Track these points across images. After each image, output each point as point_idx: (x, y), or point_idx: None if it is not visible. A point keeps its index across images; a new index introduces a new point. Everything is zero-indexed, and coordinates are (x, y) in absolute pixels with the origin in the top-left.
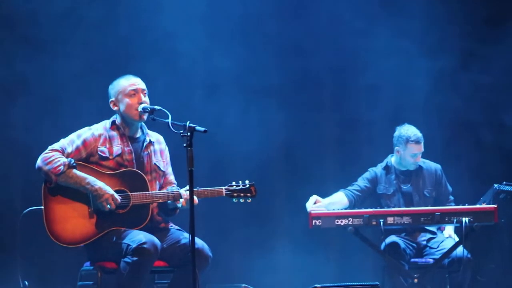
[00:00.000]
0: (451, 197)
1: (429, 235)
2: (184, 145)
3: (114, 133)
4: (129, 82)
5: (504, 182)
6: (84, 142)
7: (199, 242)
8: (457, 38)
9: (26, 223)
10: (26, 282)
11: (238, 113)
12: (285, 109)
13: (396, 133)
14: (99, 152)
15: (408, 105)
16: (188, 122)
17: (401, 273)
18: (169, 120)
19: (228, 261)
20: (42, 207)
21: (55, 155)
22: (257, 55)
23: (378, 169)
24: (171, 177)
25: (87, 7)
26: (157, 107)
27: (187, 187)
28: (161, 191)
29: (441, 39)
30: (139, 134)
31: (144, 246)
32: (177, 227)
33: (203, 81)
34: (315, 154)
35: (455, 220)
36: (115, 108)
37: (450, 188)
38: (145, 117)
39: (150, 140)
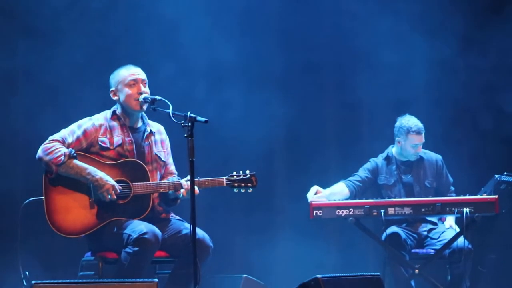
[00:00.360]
0: (452, 188)
1: (430, 226)
2: (185, 135)
3: (114, 123)
4: (129, 72)
5: (505, 173)
6: (85, 133)
7: (200, 232)
8: (457, 24)
9: (27, 214)
10: (27, 273)
11: (239, 104)
12: (287, 100)
13: (397, 124)
14: (100, 143)
15: (409, 94)
16: (189, 112)
17: (402, 264)
18: (170, 110)
19: (229, 252)
20: (43, 197)
21: (55, 146)
22: (259, 45)
23: (379, 159)
24: (172, 167)
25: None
26: (158, 97)
27: (188, 177)
28: (162, 181)
29: (441, 24)
30: (139, 124)
31: (145, 236)
32: (178, 217)
33: (205, 72)
34: (316, 144)
35: (456, 211)
36: (115, 98)
37: (451, 179)
38: (145, 107)
39: (150, 130)
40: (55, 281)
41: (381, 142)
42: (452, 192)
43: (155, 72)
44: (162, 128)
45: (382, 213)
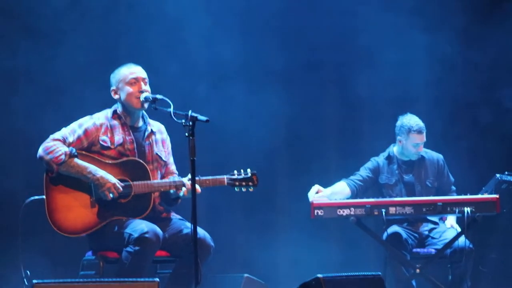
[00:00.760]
0: (453, 188)
1: (431, 225)
2: (186, 134)
3: (115, 122)
4: (130, 70)
5: (506, 172)
6: (86, 132)
7: (201, 231)
8: (457, 20)
9: (28, 213)
10: (28, 272)
11: (240, 103)
12: (288, 99)
13: (398, 123)
14: (101, 142)
15: (410, 92)
16: (190, 111)
17: (403, 263)
18: (171, 110)
19: (230, 251)
20: (44, 196)
21: (56, 145)
22: (261, 44)
23: (380, 158)
24: (173, 167)
25: None
26: (159, 96)
27: (189, 176)
28: (163, 180)
29: (441, 21)
30: (140, 123)
31: (146, 235)
32: (179, 216)
33: (207, 71)
34: (317, 144)
35: (457, 210)
36: (116, 97)
37: (452, 179)
38: (146, 105)
39: (151, 129)
40: (56, 280)
41: (382, 141)
42: (453, 191)
43: (156, 72)
44: (163, 128)
45: (383, 213)
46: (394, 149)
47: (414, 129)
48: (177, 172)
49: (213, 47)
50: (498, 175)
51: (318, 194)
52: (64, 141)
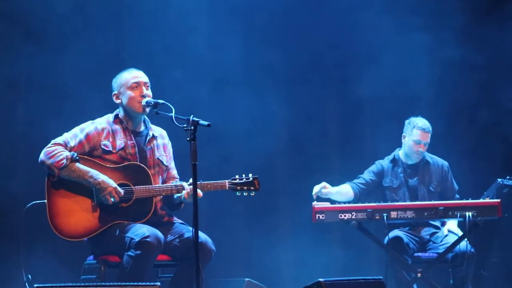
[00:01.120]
0: (457, 196)
1: (432, 230)
2: (188, 139)
3: (117, 127)
4: (132, 75)
5: (508, 177)
6: (87, 136)
7: (202, 235)
8: (457, 21)
9: (29, 217)
10: (30, 276)
11: (242, 107)
12: (290, 104)
13: (407, 121)
14: (102, 146)
15: (413, 93)
16: (191, 116)
17: (404, 268)
18: (173, 114)
19: (231, 255)
20: (46, 201)
21: (58, 149)
22: (263, 49)
23: (385, 161)
24: (174, 172)
25: (92, 3)
26: (160, 101)
27: (191, 180)
28: (164, 184)
29: (441, 21)
30: (142, 128)
31: (148, 239)
32: (180, 221)
33: (209, 76)
34: (319, 147)
35: (458, 215)
36: (118, 101)
37: (456, 187)
38: (148, 109)
39: (153, 134)
40: (58, 285)
41: (384, 145)
42: (457, 199)
43: (159, 76)
44: (164, 133)
45: (385, 217)
46: (400, 152)
47: (419, 126)
48: (178, 177)
49: (215, 52)
50: (499, 180)
51: (325, 190)
52: (65, 145)
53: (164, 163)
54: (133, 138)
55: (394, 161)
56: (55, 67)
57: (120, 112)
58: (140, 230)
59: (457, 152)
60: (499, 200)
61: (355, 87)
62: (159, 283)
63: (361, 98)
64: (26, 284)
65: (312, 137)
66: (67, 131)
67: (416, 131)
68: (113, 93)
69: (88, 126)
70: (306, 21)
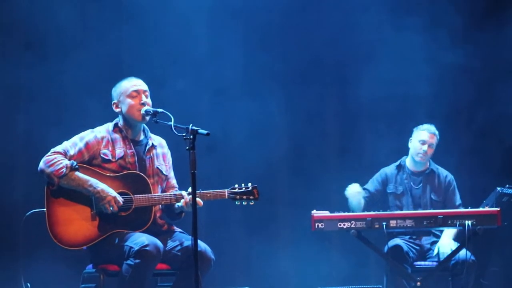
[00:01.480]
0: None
1: (433, 239)
2: (187, 148)
3: (116, 136)
4: (131, 83)
5: (507, 185)
6: (87, 145)
7: (201, 244)
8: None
9: (28, 225)
10: (29, 284)
11: (241, 117)
12: (290, 113)
13: (415, 128)
14: (102, 155)
15: (413, 92)
16: (190, 124)
17: (404, 276)
18: (172, 123)
19: (231, 264)
20: (45, 209)
21: (57, 158)
22: (263, 57)
23: (390, 168)
24: (173, 181)
25: (91, 13)
26: (159, 110)
27: (190, 189)
28: (164, 193)
29: (439, 23)
30: (141, 137)
31: (147, 248)
32: (180, 229)
33: (209, 85)
34: (319, 157)
35: (458, 223)
36: (118, 110)
37: (459, 200)
38: (147, 118)
39: (152, 143)
40: None
41: (384, 151)
42: None
43: (158, 85)
44: (164, 142)
45: (384, 226)
46: (406, 160)
47: (424, 128)
48: (177, 187)
49: (215, 61)
50: (498, 188)
51: (352, 189)
52: (65, 154)
53: (164, 172)
54: (132, 147)
55: (400, 167)
56: (55, 77)
57: (119, 120)
58: (140, 239)
59: (455, 153)
60: (498, 209)
61: (356, 96)
62: None
63: (361, 108)
64: None
65: (312, 146)
66: (66, 140)
67: (421, 132)
68: (113, 102)
69: (88, 135)
70: (306, 21)
